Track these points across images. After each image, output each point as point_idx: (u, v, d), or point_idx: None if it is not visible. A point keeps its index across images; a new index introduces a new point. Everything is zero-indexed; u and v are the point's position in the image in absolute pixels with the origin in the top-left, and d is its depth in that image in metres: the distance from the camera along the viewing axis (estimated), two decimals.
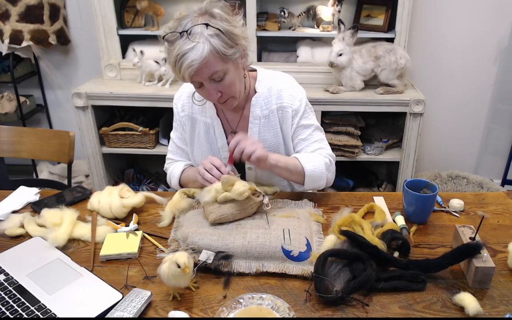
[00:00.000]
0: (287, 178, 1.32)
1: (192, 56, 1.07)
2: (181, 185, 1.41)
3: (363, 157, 2.34)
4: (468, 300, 0.88)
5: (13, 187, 1.37)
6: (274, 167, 1.22)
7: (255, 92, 1.32)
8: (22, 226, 1.18)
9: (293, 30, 2.41)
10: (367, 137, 2.40)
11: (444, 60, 2.59)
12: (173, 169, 1.44)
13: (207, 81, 1.14)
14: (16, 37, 2.45)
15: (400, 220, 1.17)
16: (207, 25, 1.09)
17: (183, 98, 1.39)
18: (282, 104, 1.31)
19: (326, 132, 1.62)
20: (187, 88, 1.38)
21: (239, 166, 1.39)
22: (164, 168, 1.51)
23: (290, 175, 1.27)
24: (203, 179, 1.20)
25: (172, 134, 1.46)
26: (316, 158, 1.30)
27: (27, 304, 0.90)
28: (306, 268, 0.99)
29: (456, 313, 0.88)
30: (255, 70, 1.36)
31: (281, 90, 1.32)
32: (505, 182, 2.74)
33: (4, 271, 1.01)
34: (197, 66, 1.08)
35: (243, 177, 1.40)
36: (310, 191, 1.37)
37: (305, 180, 1.27)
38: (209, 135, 1.37)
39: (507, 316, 0.87)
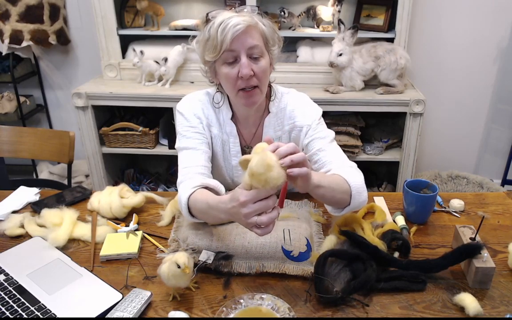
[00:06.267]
0: (329, 201, 1.08)
1: (239, 20, 1.05)
2: (192, 214, 1.07)
3: (363, 157, 2.34)
4: (468, 301, 0.88)
5: (13, 187, 1.37)
6: (317, 188, 0.97)
7: (269, 112, 1.25)
8: (22, 226, 1.18)
9: (293, 30, 2.41)
10: (367, 137, 2.40)
11: (444, 60, 2.58)
12: (182, 188, 1.10)
13: (244, 54, 1.08)
14: (16, 37, 2.45)
15: (400, 220, 1.17)
16: (257, 7, 1.12)
17: (196, 108, 1.24)
18: (295, 123, 1.23)
19: None
20: (195, 98, 1.26)
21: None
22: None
23: (334, 195, 1.03)
24: (256, 226, 0.88)
25: (180, 144, 1.21)
26: (348, 170, 1.11)
27: (27, 304, 0.90)
28: (306, 268, 0.99)
29: (456, 313, 0.88)
30: (270, 86, 1.27)
31: (293, 110, 1.24)
32: (505, 182, 2.74)
33: (4, 271, 1.00)
34: (243, 27, 1.04)
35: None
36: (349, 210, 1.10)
37: (352, 194, 1.05)
38: (224, 152, 1.28)
39: (507, 316, 0.87)
